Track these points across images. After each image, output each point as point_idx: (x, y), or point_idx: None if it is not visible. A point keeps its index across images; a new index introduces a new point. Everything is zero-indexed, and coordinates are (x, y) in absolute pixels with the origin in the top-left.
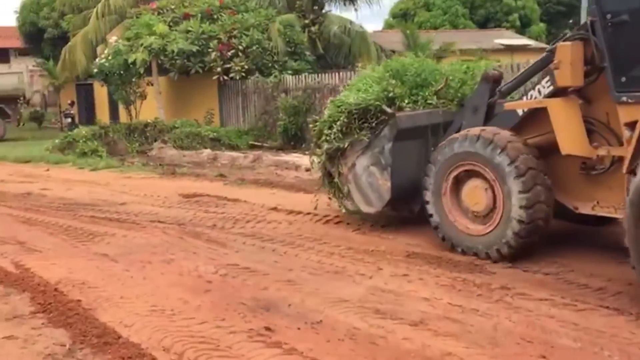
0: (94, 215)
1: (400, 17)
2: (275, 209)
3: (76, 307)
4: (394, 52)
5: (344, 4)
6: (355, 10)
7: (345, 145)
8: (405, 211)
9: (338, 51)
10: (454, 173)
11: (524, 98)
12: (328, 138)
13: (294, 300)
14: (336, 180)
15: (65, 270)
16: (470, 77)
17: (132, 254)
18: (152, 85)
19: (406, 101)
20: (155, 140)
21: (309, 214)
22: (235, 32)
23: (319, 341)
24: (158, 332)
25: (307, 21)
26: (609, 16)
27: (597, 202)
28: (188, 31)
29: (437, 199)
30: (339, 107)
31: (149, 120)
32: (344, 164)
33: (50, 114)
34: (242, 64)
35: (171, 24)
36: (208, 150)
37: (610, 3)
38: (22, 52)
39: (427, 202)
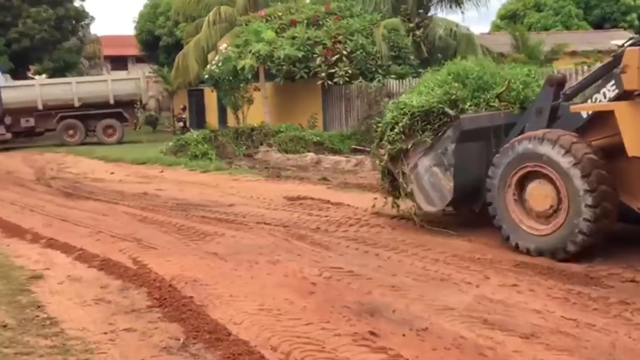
0: (205, 216)
1: (509, 19)
2: (377, 213)
3: (189, 303)
4: (502, 55)
5: (450, 7)
6: (462, 12)
7: (409, 147)
8: (465, 211)
9: (443, 54)
10: (518, 174)
11: (589, 101)
12: (390, 139)
13: (399, 306)
14: (400, 180)
15: (178, 267)
16: (534, 80)
17: (240, 253)
18: (258, 90)
19: (468, 104)
20: (261, 144)
21: (411, 219)
22: (339, 38)
23: (425, 349)
24: (266, 331)
25: (412, 25)
26: None
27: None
28: (294, 37)
29: (501, 200)
30: (401, 109)
31: (255, 125)
32: (406, 164)
33: (163, 118)
34: (346, 68)
35: (278, 30)
36: (312, 154)
37: None
38: (139, 60)
39: (491, 204)
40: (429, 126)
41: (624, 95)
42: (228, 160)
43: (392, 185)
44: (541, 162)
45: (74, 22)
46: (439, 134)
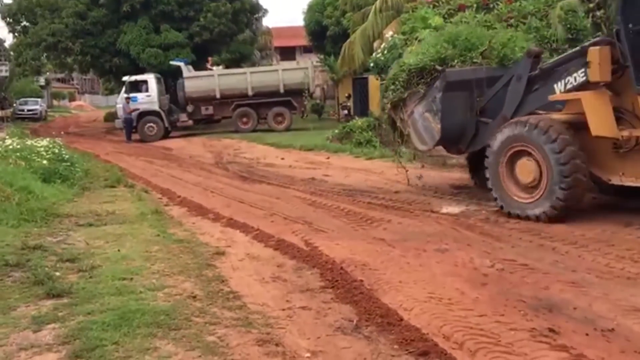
0: (371, 202)
1: None
2: None
3: (360, 286)
4: None
5: None
6: None
7: (405, 96)
8: (454, 151)
9: None
10: (509, 153)
11: (561, 82)
12: (392, 91)
13: (580, 303)
14: (398, 125)
15: (347, 251)
16: (512, 42)
17: (407, 240)
18: None
19: (456, 61)
20: None
21: (589, 212)
22: (511, 21)
23: (612, 351)
24: (437, 319)
25: (591, 5)
26: (630, 25)
27: (623, 174)
28: (462, 22)
29: (496, 175)
30: (401, 66)
31: None
32: (404, 112)
33: (328, 106)
34: None
35: (446, 16)
36: None
37: (631, 16)
38: (306, 50)
39: (488, 178)
40: (422, 80)
41: (591, 85)
42: (392, 147)
43: (394, 131)
44: (526, 143)
45: (249, 15)
46: (430, 85)
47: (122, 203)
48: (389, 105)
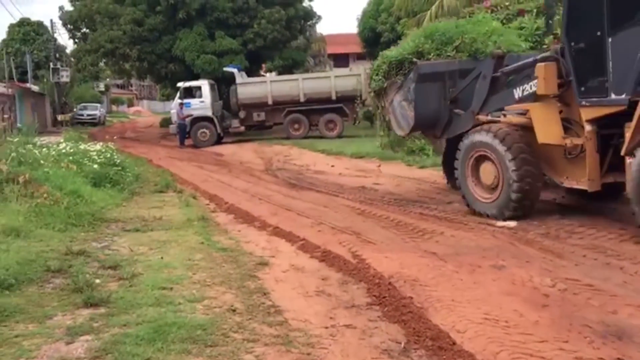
0: (422, 213)
1: None
2: (621, 220)
3: (409, 304)
4: None
5: None
6: None
7: (385, 85)
8: (430, 136)
9: None
10: (473, 157)
11: (519, 88)
12: (375, 81)
13: None
14: (380, 112)
15: (397, 264)
16: (484, 36)
17: (460, 255)
18: None
19: (432, 54)
20: None
21: None
22: None
23: None
24: (493, 344)
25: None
26: (572, 44)
27: (567, 177)
28: (521, 28)
29: (463, 177)
30: (383, 59)
31: None
32: (385, 100)
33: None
34: None
35: (504, 21)
36: None
37: (573, 35)
38: (359, 57)
39: (457, 179)
40: (401, 71)
41: (541, 96)
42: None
43: (378, 117)
44: (487, 149)
45: (302, 21)
46: (406, 76)
47: (169, 209)
48: (372, 94)
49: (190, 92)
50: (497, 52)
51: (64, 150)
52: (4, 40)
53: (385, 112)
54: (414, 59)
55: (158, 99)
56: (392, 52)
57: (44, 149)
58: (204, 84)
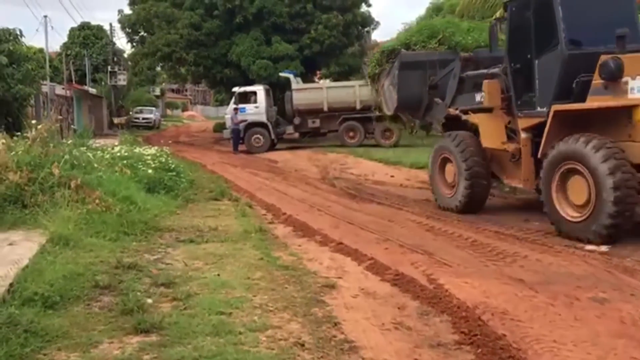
0: (498, 231)
1: None
2: None
3: (505, 345)
4: None
5: None
6: None
7: (378, 71)
8: (414, 117)
9: None
10: (439, 160)
11: (480, 94)
12: (371, 67)
13: None
14: (376, 93)
15: (480, 292)
16: (465, 32)
17: (552, 284)
18: None
19: (417, 46)
20: None
21: None
22: None
23: None
24: None
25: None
26: (512, 64)
27: (506, 177)
28: None
29: (433, 176)
30: (379, 49)
31: None
32: (379, 84)
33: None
34: None
35: None
36: None
37: (512, 57)
38: None
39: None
40: (391, 60)
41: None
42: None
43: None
44: (448, 152)
45: (359, 27)
46: (393, 63)
47: (225, 218)
48: (369, 79)
49: (245, 98)
50: (465, 55)
51: (118, 154)
52: (64, 44)
53: (379, 94)
54: (402, 50)
55: (212, 104)
56: (387, 43)
57: (99, 152)
58: (259, 90)
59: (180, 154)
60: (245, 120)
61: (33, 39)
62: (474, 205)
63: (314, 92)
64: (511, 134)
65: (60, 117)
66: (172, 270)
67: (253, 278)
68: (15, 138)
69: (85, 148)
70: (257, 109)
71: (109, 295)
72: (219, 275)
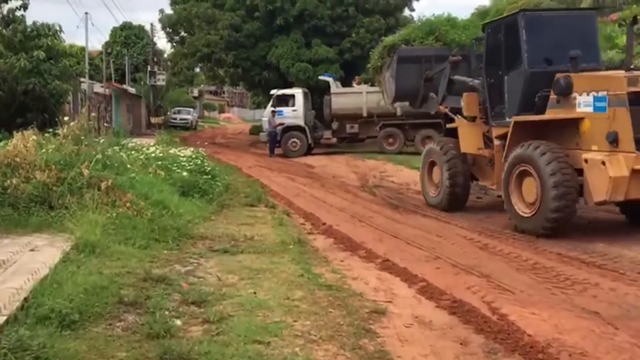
0: (560, 253)
1: None
2: None
3: None
4: None
5: None
6: None
7: (380, 64)
8: (412, 106)
9: None
10: (429, 161)
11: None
12: (373, 61)
13: None
14: (378, 84)
15: (551, 326)
16: (461, 29)
17: (633, 319)
18: None
19: (416, 42)
20: None
21: None
22: None
23: None
24: None
25: None
26: (488, 79)
27: (482, 178)
28: None
29: (422, 176)
30: (382, 45)
31: None
32: (382, 76)
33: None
34: None
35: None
36: None
37: (488, 73)
38: None
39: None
40: (392, 54)
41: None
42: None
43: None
44: (434, 156)
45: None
46: (393, 57)
47: (261, 227)
48: (371, 70)
49: (283, 100)
50: (454, 59)
51: (153, 154)
52: (106, 43)
53: (381, 85)
54: (401, 44)
55: (249, 106)
56: (389, 38)
57: (133, 152)
58: (298, 93)
59: (215, 155)
60: (282, 124)
61: (75, 37)
62: (456, 203)
63: (353, 97)
64: (488, 141)
65: (94, 114)
66: (205, 286)
67: (293, 298)
68: (47, 135)
69: (119, 147)
70: (295, 113)
71: (134, 313)
72: (255, 293)
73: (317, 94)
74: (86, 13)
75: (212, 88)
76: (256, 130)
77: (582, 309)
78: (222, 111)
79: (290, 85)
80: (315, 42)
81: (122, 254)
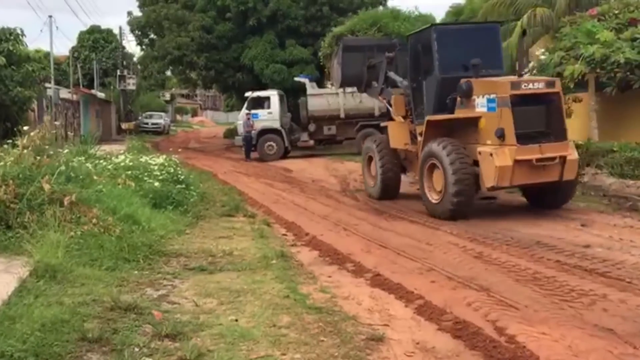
0: (559, 260)
1: None
2: None
3: None
4: None
5: None
6: None
7: (329, 52)
8: (358, 91)
9: None
10: (367, 157)
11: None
12: (324, 48)
13: None
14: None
15: (564, 348)
16: (399, 21)
17: None
18: (579, 101)
19: (360, 32)
20: (587, 165)
21: None
22: None
23: None
24: None
25: None
26: (412, 84)
27: (410, 172)
28: (634, 39)
29: (364, 169)
30: (331, 34)
31: (580, 142)
32: (332, 62)
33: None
34: None
35: (614, 30)
36: None
37: (412, 78)
38: None
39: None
40: (339, 43)
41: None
42: None
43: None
44: (371, 151)
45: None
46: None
47: (240, 239)
48: (322, 58)
49: (258, 103)
50: (389, 54)
51: (122, 164)
52: (74, 47)
53: (331, 71)
54: (347, 34)
55: (223, 109)
56: (337, 29)
57: (101, 161)
58: (273, 95)
59: (189, 161)
60: (257, 127)
61: (41, 42)
62: (388, 192)
63: (331, 98)
64: (414, 138)
65: (57, 122)
66: (180, 314)
67: (279, 326)
68: (5, 147)
69: (85, 157)
70: (271, 115)
71: (99, 351)
72: (236, 320)
73: (293, 96)
74: (50, 16)
75: (185, 91)
76: (230, 133)
77: (595, 326)
78: (195, 115)
79: (264, 87)
80: (289, 43)
81: (87, 278)
